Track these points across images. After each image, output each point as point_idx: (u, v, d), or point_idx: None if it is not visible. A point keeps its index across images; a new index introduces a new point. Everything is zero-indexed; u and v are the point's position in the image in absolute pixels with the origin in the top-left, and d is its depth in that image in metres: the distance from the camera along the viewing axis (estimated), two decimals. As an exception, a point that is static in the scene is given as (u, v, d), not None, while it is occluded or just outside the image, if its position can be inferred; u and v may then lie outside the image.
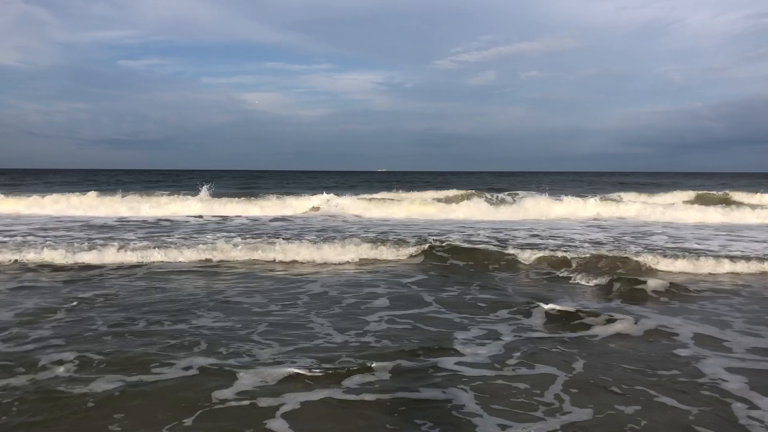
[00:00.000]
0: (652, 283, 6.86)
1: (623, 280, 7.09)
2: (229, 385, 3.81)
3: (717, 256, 8.75)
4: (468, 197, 21.45)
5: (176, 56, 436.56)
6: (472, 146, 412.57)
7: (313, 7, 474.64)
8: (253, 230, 13.05)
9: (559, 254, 8.98)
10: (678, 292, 6.81)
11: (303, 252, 8.83)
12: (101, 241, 10.09)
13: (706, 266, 8.25)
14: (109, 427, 3.23)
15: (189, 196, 19.48)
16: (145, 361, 4.23)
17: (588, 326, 5.31)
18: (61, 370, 4.05)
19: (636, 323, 5.37)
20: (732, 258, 8.64)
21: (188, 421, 3.31)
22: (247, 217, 16.65)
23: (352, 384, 3.86)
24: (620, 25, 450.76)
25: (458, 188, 30.82)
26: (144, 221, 15.03)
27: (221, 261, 8.68)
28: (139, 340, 4.82)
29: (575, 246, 10.48)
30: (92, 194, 18.83)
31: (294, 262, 8.69)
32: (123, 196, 18.69)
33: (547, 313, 5.67)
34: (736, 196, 25.47)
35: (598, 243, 11.23)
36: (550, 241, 11.42)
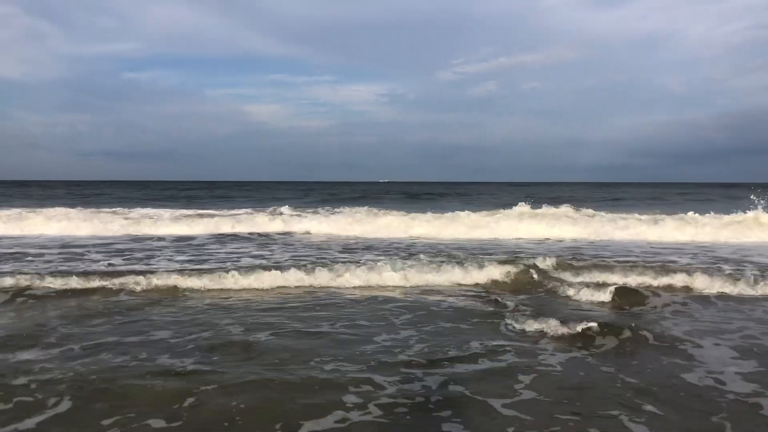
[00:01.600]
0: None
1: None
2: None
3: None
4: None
5: (179, 68, 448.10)
6: (474, 157, 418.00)
7: (316, 19, 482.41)
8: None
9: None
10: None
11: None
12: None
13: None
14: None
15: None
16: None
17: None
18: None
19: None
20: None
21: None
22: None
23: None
24: (621, 36, 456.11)
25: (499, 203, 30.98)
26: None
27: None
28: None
29: None
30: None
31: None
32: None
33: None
34: None
35: None
36: None
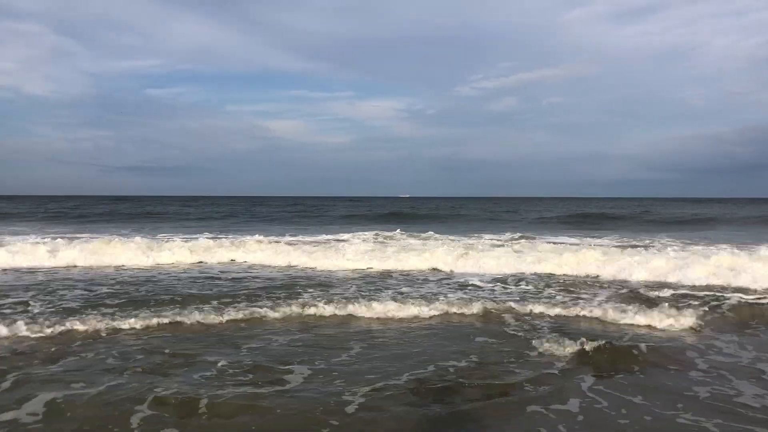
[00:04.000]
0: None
1: None
2: None
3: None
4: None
5: (200, 84, 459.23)
6: (494, 171, 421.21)
7: (335, 36, 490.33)
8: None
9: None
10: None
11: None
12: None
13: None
14: None
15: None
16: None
17: None
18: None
19: None
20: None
21: None
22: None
23: None
24: (642, 50, 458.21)
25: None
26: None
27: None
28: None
29: None
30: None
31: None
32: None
33: None
34: None
35: None
36: None
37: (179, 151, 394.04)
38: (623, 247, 14.69)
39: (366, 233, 19.64)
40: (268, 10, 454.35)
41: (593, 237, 19.56)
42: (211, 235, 17.50)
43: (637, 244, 16.40)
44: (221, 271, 12.03)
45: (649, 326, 7.50)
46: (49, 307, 7.88)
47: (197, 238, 16.33)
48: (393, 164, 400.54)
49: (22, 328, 6.66)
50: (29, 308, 7.84)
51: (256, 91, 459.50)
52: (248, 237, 16.55)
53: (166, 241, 15.03)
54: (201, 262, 13.45)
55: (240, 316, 7.62)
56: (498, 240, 17.84)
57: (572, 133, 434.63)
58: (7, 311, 7.59)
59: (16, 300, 8.44)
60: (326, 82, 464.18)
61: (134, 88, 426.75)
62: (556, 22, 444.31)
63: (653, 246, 15.40)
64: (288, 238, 17.54)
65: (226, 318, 7.47)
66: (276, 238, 16.75)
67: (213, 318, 7.45)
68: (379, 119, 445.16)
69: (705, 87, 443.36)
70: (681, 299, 9.17)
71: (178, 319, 7.35)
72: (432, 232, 18.51)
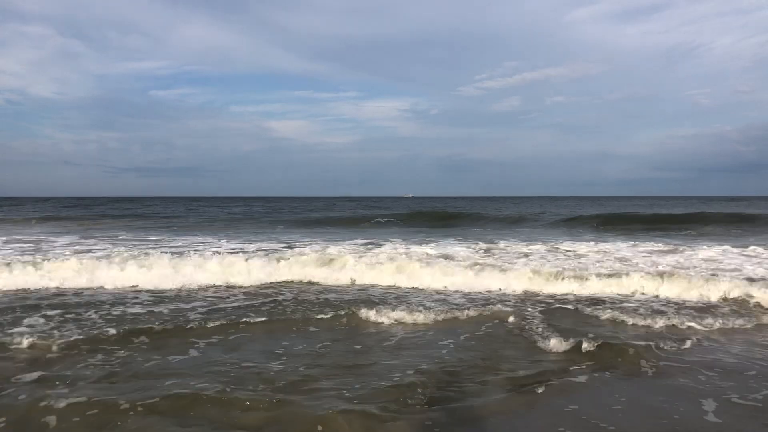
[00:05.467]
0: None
1: None
2: None
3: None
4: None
5: (206, 86, 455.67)
6: (499, 171, 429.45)
7: (340, 37, 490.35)
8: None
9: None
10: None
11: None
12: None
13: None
14: None
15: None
16: None
17: None
18: None
19: None
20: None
21: None
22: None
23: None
24: (646, 49, 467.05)
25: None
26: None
27: None
28: None
29: None
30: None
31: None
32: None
33: None
34: None
35: None
36: None
37: (185, 152, 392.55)
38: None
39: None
40: (273, 12, 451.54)
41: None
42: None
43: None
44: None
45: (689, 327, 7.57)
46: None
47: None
48: (396, 164, 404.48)
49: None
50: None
51: (261, 92, 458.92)
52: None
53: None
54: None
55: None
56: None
57: (576, 132, 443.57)
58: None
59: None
60: (331, 83, 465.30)
61: (140, 90, 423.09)
62: (560, 21, 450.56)
63: None
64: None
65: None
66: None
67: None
68: (384, 119, 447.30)
69: (709, 86, 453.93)
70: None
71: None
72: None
